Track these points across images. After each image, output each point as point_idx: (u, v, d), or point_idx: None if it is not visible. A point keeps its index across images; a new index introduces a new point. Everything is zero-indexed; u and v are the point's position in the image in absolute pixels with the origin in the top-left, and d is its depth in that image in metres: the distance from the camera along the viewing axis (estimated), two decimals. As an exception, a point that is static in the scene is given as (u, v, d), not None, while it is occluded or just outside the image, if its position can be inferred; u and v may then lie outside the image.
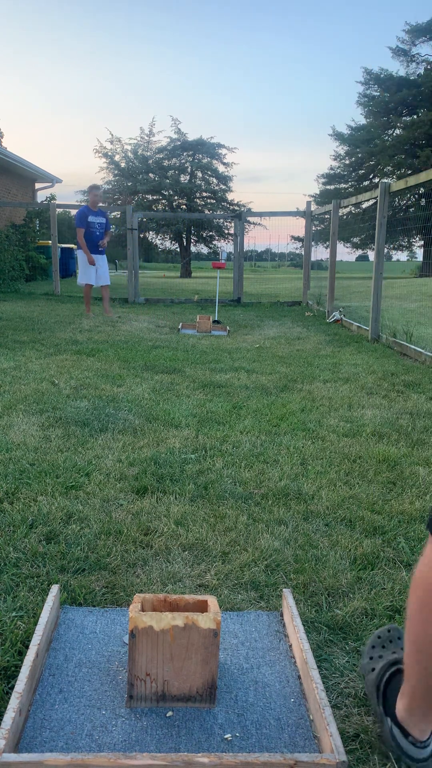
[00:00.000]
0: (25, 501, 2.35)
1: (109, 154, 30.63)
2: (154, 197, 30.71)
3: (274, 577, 1.88)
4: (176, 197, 30.41)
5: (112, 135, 41.11)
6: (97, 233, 8.52)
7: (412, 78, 28.27)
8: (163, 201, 30.77)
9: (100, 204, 8.87)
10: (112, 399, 3.94)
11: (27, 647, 1.50)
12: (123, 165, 30.52)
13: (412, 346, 5.94)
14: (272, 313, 10.24)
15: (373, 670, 1.34)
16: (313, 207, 11.68)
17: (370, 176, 29.61)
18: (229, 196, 31.13)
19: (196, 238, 32.38)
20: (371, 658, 1.37)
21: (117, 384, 4.40)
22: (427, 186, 11.86)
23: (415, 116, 27.81)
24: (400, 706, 1.24)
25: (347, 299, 10.90)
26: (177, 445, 3.08)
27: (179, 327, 7.86)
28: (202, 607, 1.38)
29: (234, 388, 4.39)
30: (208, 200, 31.19)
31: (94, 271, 8.58)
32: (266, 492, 2.53)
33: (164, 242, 33.71)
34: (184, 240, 31.78)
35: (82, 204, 8.62)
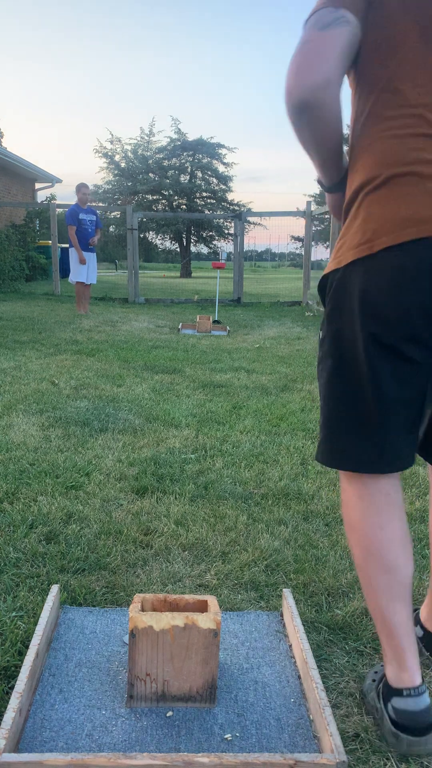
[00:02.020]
0: (25, 501, 2.35)
1: (109, 154, 30.61)
2: (154, 197, 30.69)
3: (274, 577, 1.88)
4: (176, 197, 30.39)
5: (112, 135, 41.12)
6: (89, 230, 8.56)
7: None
8: (163, 201, 30.74)
9: (89, 202, 8.91)
10: (112, 399, 3.94)
11: (27, 647, 1.50)
12: (123, 165, 30.50)
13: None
14: (272, 313, 10.24)
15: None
16: (313, 207, 11.67)
17: (370, 176, 29.57)
18: (229, 196, 31.09)
19: (196, 238, 32.37)
20: (373, 681, 1.40)
21: (117, 384, 4.40)
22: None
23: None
24: (389, 671, 1.29)
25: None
26: (177, 445, 3.08)
27: (179, 327, 7.86)
28: (202, 607, 1.38)
29: (234, 388, 4.39)
30: (208, 200, 31.16)
31: (86, 269, 8.61)
32: (266, 492, 2.53)
33: (164, 242, 33.73)
34: (184, 240, 31.77)
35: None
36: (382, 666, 1.44)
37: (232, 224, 13.02)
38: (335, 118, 1.17)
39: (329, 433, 1.29)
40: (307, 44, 1.13)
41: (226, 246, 31.72)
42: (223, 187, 30.82)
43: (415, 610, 1.64)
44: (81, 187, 8.63)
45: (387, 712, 1.27)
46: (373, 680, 1.39)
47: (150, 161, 30.17)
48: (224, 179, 30.72)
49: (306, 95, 1.12)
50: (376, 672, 1.42)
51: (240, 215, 12.39)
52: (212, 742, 1.23)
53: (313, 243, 11.94)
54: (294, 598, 1.75)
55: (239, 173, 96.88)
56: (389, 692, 1.28)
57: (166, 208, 30.36)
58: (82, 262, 8.50)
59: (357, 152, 1.23)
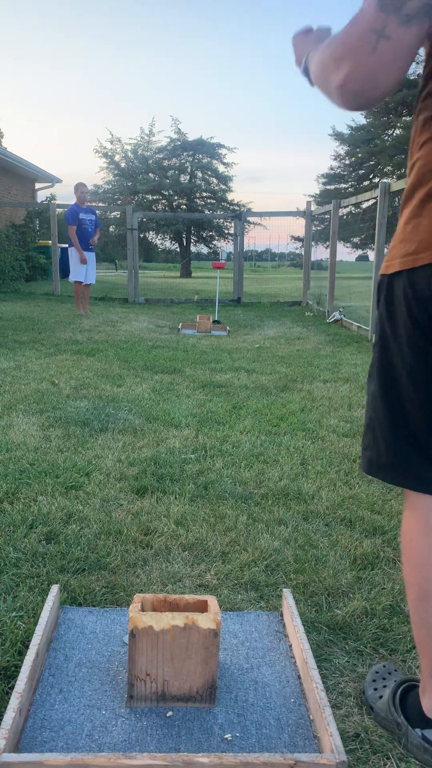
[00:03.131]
0: (25, 501, 2.35)
1: (109, 154, 30.62)
2: (154, 197, 30.68)
3: (274, 577, 1.88)
4: (176, 197, 30.39)
5: (112, 135, 41.10)
6: (89, 230, 8.57)
7: (412, 78, 28.21)
8: (163, 201, 30.74)
9: (87, 201, 8.91)
10: (112, 399, 3.94)
11: (27, 647, 1.50)
12: (123, 165, 30.50)
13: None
14: (272, 313, 10.24)
15: (381, 697, 1.35)
16: (313, 207, 11.67)
17: (370, 176, 29.58)
18: (229, 196, 31.10)
19: (196, 238, 32.36)
20: (375, 689, 1.37)
21: (117, 384, 4.40)
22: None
23: (415, 116, 27.73)
24: (427, 704, 1.25)
25: (347, 299, 10.90)
26: (177, 445, 3.08)
27: (179, 327, 7.86)
28: (202, 607, 1.38)
29: (234, 388, 4.39)
30: (208, 200, 31.17)
31: (84, 269, 8.62)
32: (266, 492, 2.53)
33: (164, 242, 33.71)
34: (184, 240, 31.76)
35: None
36: (377, 672, 1.42)
37: (232, 224, 13.02)
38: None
39: (381, 444, 1.23)
40: (385, 42, 0.91)
41: (226, 246, 31.72)
42: (223, 187, 30.83)
43: None
44: (79, 186, 8.64)
45: (416, 733, 1.25)
46: (375, 689, 1.37)
47: (150, 161, 30.17)
48: (224, 179, 30.73)
49: (369, 101, 0.98)
50: (374, 681, 1.40)
51: (240, 215, 12.39)
52: (212, 742, 1.23)
53: (312, 243, 11.93)
54: (294, 598, 1.75)
55: (239, 173, 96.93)
56: (423, 721, 1.25)
57: (166, 208, 30.35)
58: (83, 262, 8.50)
59: (422, 137, 1.11)
